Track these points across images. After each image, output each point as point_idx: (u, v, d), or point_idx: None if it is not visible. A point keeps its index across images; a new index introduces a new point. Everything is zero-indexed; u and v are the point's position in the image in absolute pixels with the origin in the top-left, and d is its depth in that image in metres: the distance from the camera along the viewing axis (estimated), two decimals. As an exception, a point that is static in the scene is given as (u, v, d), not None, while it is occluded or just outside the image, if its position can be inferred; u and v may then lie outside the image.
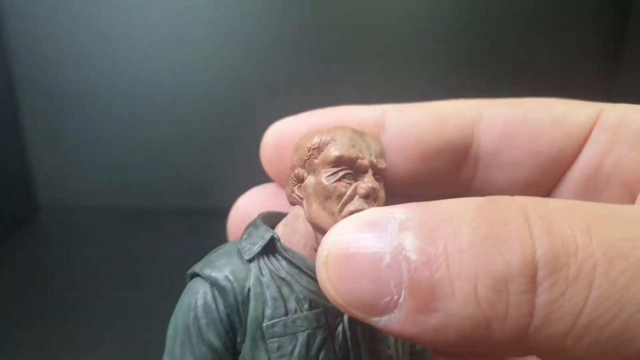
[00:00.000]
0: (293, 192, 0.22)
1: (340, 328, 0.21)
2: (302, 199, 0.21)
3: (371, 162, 0.21)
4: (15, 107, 0.72)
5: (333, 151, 0.21)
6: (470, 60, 0.70)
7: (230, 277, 0.20)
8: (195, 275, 0.21)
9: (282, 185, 0.27)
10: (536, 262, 0.15)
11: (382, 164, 0.21)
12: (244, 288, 0.20)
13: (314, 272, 0.20)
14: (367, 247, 0.17)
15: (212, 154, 0.75)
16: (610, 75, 0.70)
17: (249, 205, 0.28)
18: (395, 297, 0.16)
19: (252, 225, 0.22)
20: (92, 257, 0.66)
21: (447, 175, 0.25)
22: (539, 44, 0.69)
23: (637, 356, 0.14)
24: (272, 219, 0.23)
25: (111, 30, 0.70)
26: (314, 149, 0.21)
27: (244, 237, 0.22)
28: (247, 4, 0.68)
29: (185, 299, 0.21)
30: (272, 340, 0.20)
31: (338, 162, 0.21)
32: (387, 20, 0.69)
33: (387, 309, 0.16)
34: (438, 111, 0.25)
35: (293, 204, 0.22)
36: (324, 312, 0.21)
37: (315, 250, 0.21)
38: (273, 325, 0.20)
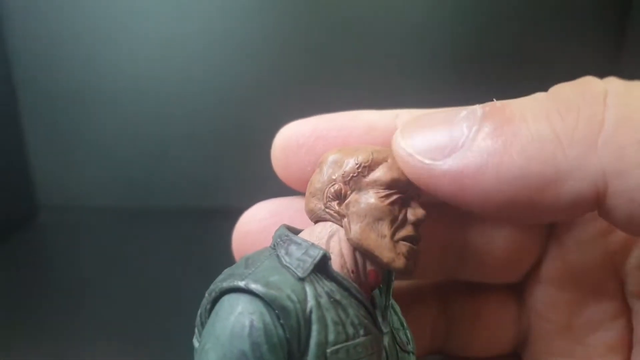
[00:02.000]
0: (328, 207, 0.21)
1: (383, 354, 0.20)
2: (342, 216, 0.20)
3: (417, 189, 0.21)
4: (15, 107, 0.72)
5: (389, 172, 0.20)
6: (474, 61, 0.70)
7: (293, 297, 0.18)
8: (232, 290, 0.18)
9: (295, 187, 0.26)
10: (606, 90, 0.16)
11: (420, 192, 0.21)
12: (305, 310, 0.18)
13: (361, 294, 0.20)
14: (443, 110, 0.19)
15: (212, 153, 0.75)
16: (611, 71, 0.70)
17: (253, 220, 0.27)
18: (466, 134, 0.17)
19: (287, 239, 0.20)
20: (92, 257, 0.66)
21: None
22: (542, 41, 0.69)
23: None
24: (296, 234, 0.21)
25: (112, 30, 0.70)
26: (364, 166, 0.20)
27: (281, 253, 0.20)
28: (251, 2, 0.68)
29: (233, 320, 0.17)
30: None
31: (393, 184, 0.20)
32: (394, 21, 0.69)
33: (455, 149, 0.18)
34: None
35: (319, 220, 0.21)
36: (375, 338, 0.20)
37: (353, 272, 0.20)
38: (337, 351, 0.18)
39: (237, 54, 0.71)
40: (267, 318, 0.17)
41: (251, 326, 0.17)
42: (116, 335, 0.51)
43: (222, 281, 0.19)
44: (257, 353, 0.17)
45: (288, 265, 0.19)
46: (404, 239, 0.20)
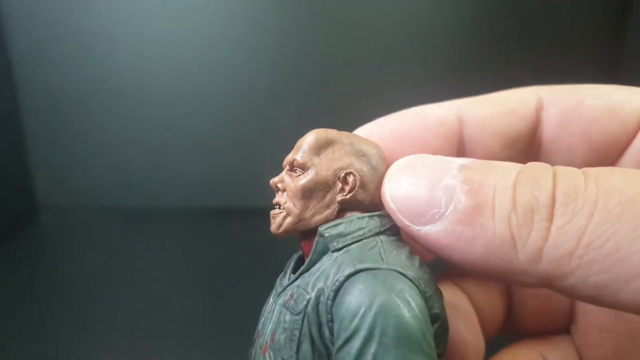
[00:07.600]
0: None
1: None
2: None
3: (287, 159, 0.22)
4: (15, 107, 0.72)
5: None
6: (474, 61, 0.70)
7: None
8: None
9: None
10: (556, 198, 0.18)
11: (293, 156, 0.22)
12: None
13: None
14: (432, 160, 0.21)
15: (212, 154, 0.75)
16: (610, 75, 0.70)
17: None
18: (442, 210, 0.19)
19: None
20: (92, 257, 0.66)
21: (518, 161, 0.26)
22: (544, 43, 0.69)
23: (633, 274, 0.16)
24: None
25: (111, 30, 0.70)
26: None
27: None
28: (249, 3, 0.69)
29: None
30: None
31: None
32: (395, 21, 0.69)
33: (432, 220, 0.20)
34: (506, 102, 0.27)
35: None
36: None
37: None
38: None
39: (237, 54, 0.71)
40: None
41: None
42: (116, 335, 0.51)
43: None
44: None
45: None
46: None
